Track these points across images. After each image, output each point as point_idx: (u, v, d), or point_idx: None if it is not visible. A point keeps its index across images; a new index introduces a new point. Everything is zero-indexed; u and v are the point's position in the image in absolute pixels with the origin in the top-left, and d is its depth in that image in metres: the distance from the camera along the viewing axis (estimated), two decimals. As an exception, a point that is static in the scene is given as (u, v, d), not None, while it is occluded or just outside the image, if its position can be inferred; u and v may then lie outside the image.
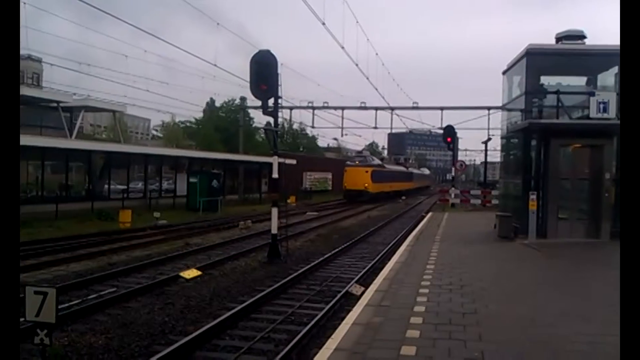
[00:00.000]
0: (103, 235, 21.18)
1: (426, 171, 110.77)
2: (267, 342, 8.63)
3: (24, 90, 31.57)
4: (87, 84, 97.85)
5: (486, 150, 43.03)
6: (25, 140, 23.87)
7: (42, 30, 63.52)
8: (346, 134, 75.09)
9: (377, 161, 61.28)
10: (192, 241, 20.52)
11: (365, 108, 39.00)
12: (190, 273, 13.80)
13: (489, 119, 35.84)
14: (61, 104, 31.89)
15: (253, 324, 9.72)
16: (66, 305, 10.33)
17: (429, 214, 31.63)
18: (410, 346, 6.18)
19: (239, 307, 10.42)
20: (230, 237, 22.08)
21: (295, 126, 72.01)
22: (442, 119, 37.60)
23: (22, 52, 43.21)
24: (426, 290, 9.32)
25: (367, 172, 52.19)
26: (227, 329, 9.23)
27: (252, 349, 8.26)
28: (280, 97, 17.32)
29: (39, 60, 53.61)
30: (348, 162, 56.92)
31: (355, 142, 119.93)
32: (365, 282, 12.78)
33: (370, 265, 15.48)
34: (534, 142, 17.62)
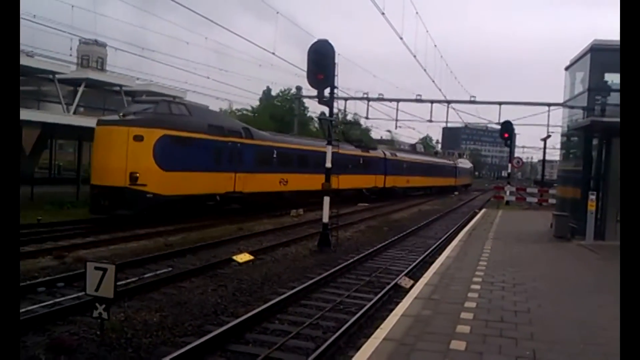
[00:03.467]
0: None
1: (466, 164, 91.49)
2: (316, 329, 8.74)
3: (90, 74, 32.74)
4: (148, 69, 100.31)
5: (545, 147, 41.79)
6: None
7: (106, 15, 65.68)
8: (400, 127, 73.79)
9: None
10: (245, 226, 20.90)
11: (421, 101, 38.47)
12: (243, 257, 14.10)
13: (548, 115, 34.65)
14: (124, 88, 32.92)
15: (302, 310, 9.86)
16: (123, 282, 10.74)
17: (482, 211, 31.09)
18: (460, 341, 6.16)
19: (289, 292, 10.59)
20: (282, 224, 22.39)
21: (349, 117, 71.79)
22: (499, 114, 36.67)
23: (88, 36, 44.76)
24: (478, 287, 9.21)
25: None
26: (277, 313, 9.40)
27: (301, 334, 8.38)
28: (336, 87, 17.38)
29: (104, 45, 55.42)
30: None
31: (408, 135, 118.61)
32: (415, 275, 12.74)
33: (420, 258, 15.38)
34: (595, 141, 17.05)
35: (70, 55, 29.56)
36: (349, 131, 76.87)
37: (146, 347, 7.51)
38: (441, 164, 64.37)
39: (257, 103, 67.68)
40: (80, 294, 9.62)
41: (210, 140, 21.70)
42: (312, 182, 27.78)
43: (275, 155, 27.51)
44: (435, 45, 32.98)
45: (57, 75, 28.23)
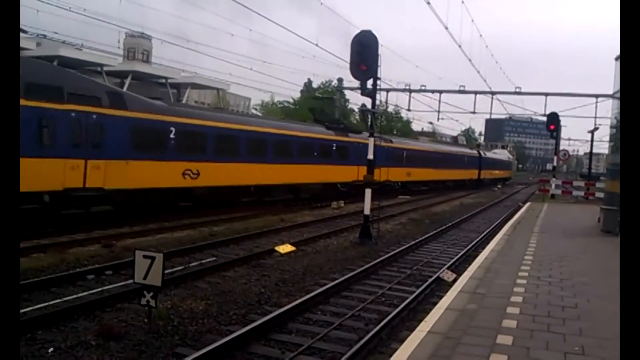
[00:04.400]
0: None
1: (503, 155, 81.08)
2: (357, 320, 8.76)
3: (136, 66, 33.46)
4: (193, 61, 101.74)
5: (592, 140, 40.60)
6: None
7: (151, 7, 66.84)
8: (442, 118, 72.30)
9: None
10: (287, 218, 21.06)
11: (464, 92, 37.87)
12: (285, 248, 14.22)
13: (596, 107, 33.71)
14: (169, 81, 33.54)
15: (344, 301, 9.89)
16: (169, 270, 10.98)
17: (527, 204, 30.47)
18: (507, 335, 6.06)
19: (331, 284, 10.63)
20: (323, 216, 22.48)
21: (390, 109, 71.31)
22: (545, 106, 35.83)
23: (135, 29, 45.63)
24: (524, 281, 9.05)
25: None
26: (319, 304, 9.46)
27: (343, 325, 8.42)
28: (379, 78, 17.27)
29: (149, 38, 56.48)
30: None
31: (451, 127, 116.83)
32: (457, 269, 12.61)
33: (462, 252, 15.20)
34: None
35: (119, 47, 30.24)
36: (389, 123, 76.20)
37: (192, 335, 7.66)
38: (456, 154, 52.42)
39: (299, 95, 67.93)
40: (128, 282, 9.90)
41: (32, 109, 13.83)
42: (251, 173, 21.56)
43: (174, 135, 18.64)
44: (481, 35, 32.35)
45: (104, 68, 29.01)
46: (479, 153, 59.93)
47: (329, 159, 28.56)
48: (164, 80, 33.43)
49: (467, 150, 58.91)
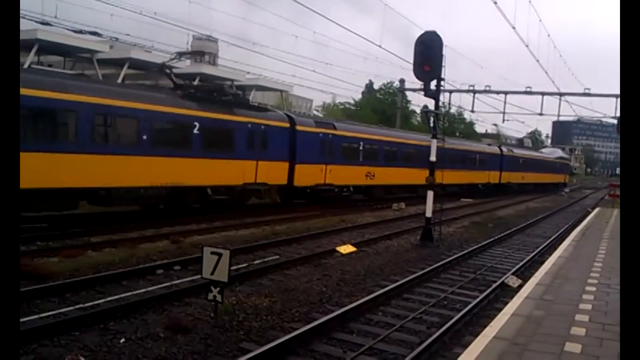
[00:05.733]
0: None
1: (554, 153, 64.04)
2: (419, 323, 8.72)
3: (203, 69, 34.40)
4: (257, 62, 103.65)
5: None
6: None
7: (217, 10, 68.40)
8: (508, 120, 69.96)
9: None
10: (347, 219, 21.13)
11: (531, 93, 36.86)
12: (346, 248, 14.30)
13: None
14: (235, 83, 34.33)
15: (405, 303, 9.86)
16: (234, 267, 11.25)
17: (596, 209, 29.31)
18: (575, 343, 5.90)
19: (392, 285, 10.62)
20: (383, 218, 22.42)
21: (452, 110, 70.21)
22: (616, 108, 34.20)
23: (202, 31, 46.92)
24: (593, 289, 8.75)
25: None
26: (380, 305, 9.47)
27: (404, 328, 8.40)
28: (443, 79, 17.08)
29: (215, 41, 57.90)
30: None
31: (516, 129, 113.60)
32: (523, 275, 12.32)
33: (528, 257, 14.80)
34: None
35: (187, 49, 31.18)
36: (452, 125, 74.87)
37: (256, 331, 7.84)
38: (460, 151, 36.17)
39: (360, 96, 67.91)
40: (195, 277, 10.22)
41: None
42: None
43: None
44: (549, 35, 31.42)
45: (173, 70, 29.91)
46: (500, 150, 44.01)
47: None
48: (229, 83, 34.24)
49: (469, 144, 41.52)
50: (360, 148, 26.50)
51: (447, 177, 28.89)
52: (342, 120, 29.58)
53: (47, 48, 26.95)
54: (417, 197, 28.23)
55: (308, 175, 22.65)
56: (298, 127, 22.26)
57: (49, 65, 23.57)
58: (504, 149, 45.08)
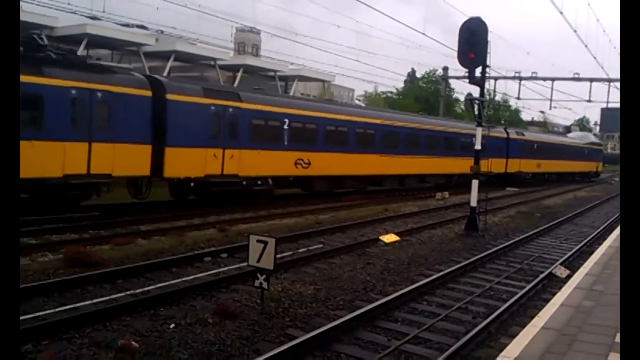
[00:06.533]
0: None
1: (584, 138, 55.90)
2: (465, 313, 8.66)
3: (247, 60, 34.71)
4: (300, 53, 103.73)
5: None
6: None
7: (261, 1, 68.65)
8: (555, 107, 67.63)
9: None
10: (391, 208, 21.08)
11: (579, 79, 35.89)
12: (389, 238, 14.29)
13: None
14: (278, 73, 34.54)
15: (450, 293, 9.81)
16: (279, 255, 11.40)
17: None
18: (627, 335, 5.77)
19: (437, 275, 10.58)
20: (427, 207, 22.26)
21: (497, 97, 68.68)
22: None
23: (246, 23, 47.27)
24: (646, 280, 8.51)
25: None
26: (425, 295, 9.45)
27: (449, 317, 8.37)
28: (488, 66, 16.80)
29: (258, 32, 58.40)
30: None
31: (564, 116, 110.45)
32: (571, 265, 12.06)
33: (576, 248, 14.47)
34: None
35: (231, 41, 31.60)
36: (497, 112, 73.23)
37: (302, 318, 7.96)
38: (430, 132, 28.88)
39: (402, 85, 67.25)
40: (241, 264, 10.42)
41: None
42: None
43: None
44: (598, 20, 30.39)
45: (217, 62, 30.36)
46: (506, 132, 36.96)
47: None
48: (272, 74, 34.45)
49: (446, 123, 32.62)
50: (285, 127, 20.00)
51: (403, 165, 25.66)
52: (257, 91, 21.66)
53: (96, 42, 27.62)
54: (384, 191, 25.92)
55: (189, 163, 16.53)
56: (170, 96, 16.11)
57: (98, 59, 24.14)
58: (512, 131, 37.94)
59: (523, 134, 39.52)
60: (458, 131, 31.31)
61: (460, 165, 28.32)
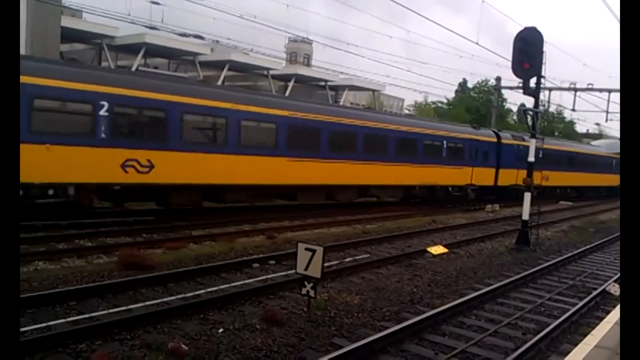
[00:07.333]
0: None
1: (614, 147, 41.99)
2: (514, 329, 8.50)
3: (298, 70, 35.16)
4: (351, 63, 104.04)
5: None
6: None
7: (312, 12, 69.43)
8: (611, 119, 65.35)
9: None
10: (438, 219, 20.86)
11: (639, 91, 34.48)
12: (437, 249, 14.16)
13: None
14: (328, 83, 34.84)
15: (499, 308, 9.64)
16: (326, 264, 11.45)
17: None
18: (686, 359, 5.56)
19: (486, 289, 10.41)
20: (476, 219, 21.92)
21: (551, 108, 66.89)
22: None
23: (299, 33, 47.84)
24: None
25: None
26: (474, 309, 9.32)
27: (498, 333, 8.23)
28: (543, 77, 16.47)
29: (310, 42, 59.03)
30: None
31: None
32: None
33: (634, 265, 13.96)
34: None
35: (284, 52, 32.13)
36: (550, 124, 71.27)
37: (348, 327, 7.99)
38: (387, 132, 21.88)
39: (453, 95, 66.49)
40: (289, 272, 10.52)
41: None
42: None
43: None
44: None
45: (270, 71, 30.86)
46: (497, 136, 29.32)
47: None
48: (323, 83, 34.74)
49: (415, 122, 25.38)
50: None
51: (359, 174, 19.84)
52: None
53: (154, 51, 28.57)
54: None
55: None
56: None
57: (155, 67, 24.91)
58: (505, 134, 30.28)
59: (524, 139, 27.42)
60: (419, 131, 23.76)
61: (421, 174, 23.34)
